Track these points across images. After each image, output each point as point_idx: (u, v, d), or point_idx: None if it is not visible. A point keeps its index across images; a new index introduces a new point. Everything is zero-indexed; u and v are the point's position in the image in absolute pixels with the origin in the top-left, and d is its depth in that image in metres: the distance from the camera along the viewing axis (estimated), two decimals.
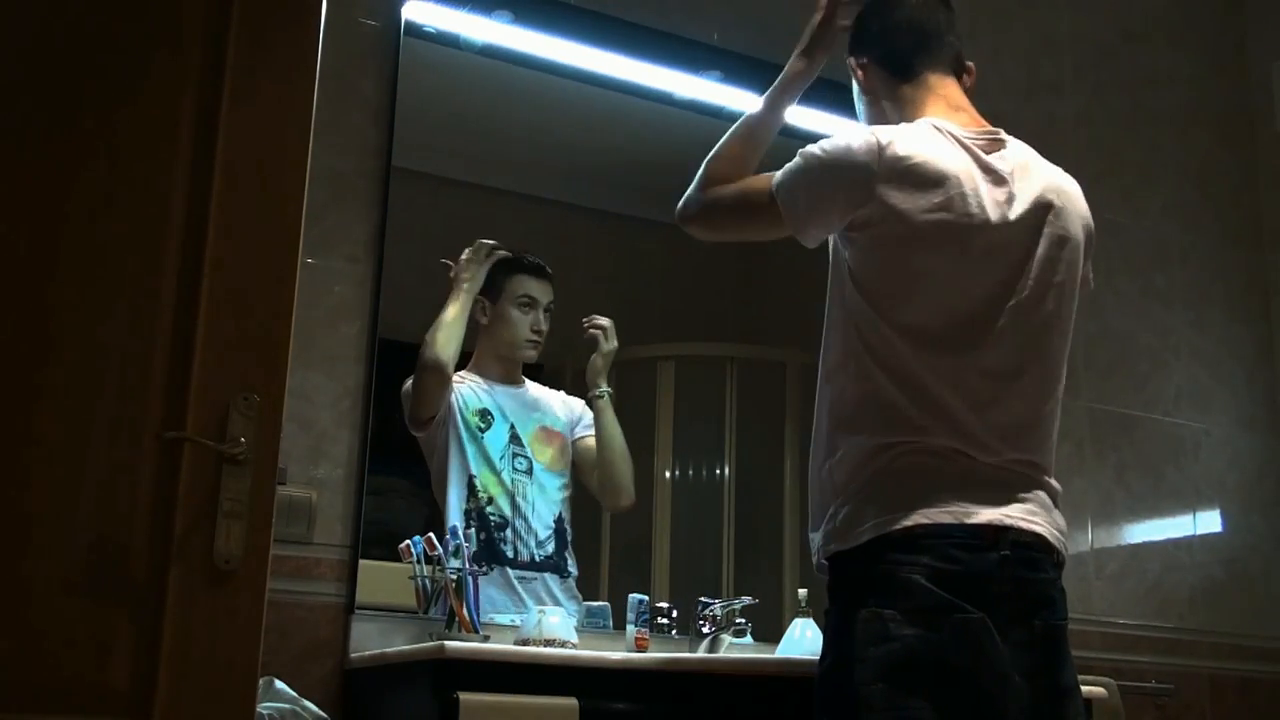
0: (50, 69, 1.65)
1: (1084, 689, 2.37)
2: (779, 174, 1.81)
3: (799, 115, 3.14)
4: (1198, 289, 3.77)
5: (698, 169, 1.98)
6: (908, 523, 1.61)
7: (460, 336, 2.69)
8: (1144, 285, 3.67)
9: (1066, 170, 1.89)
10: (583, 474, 2.88)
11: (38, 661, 1.51)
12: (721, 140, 1.99)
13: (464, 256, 2.74)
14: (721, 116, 3.14)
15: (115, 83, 1.67)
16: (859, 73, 1.94)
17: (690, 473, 3.19)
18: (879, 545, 1.62)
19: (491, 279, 2.77)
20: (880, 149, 1.70)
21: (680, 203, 1.97)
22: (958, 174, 1.71)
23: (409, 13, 2.79)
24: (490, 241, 2.76)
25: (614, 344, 2.86)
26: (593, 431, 2.87)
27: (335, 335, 2.58)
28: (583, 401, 2.90)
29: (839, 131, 1.80)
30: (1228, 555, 3.60)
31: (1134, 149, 3.76)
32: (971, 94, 1.92)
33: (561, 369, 2.98)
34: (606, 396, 2.85)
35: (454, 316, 2.69)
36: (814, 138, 1.80)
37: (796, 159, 1.79)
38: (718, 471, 3.20)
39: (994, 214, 1.71)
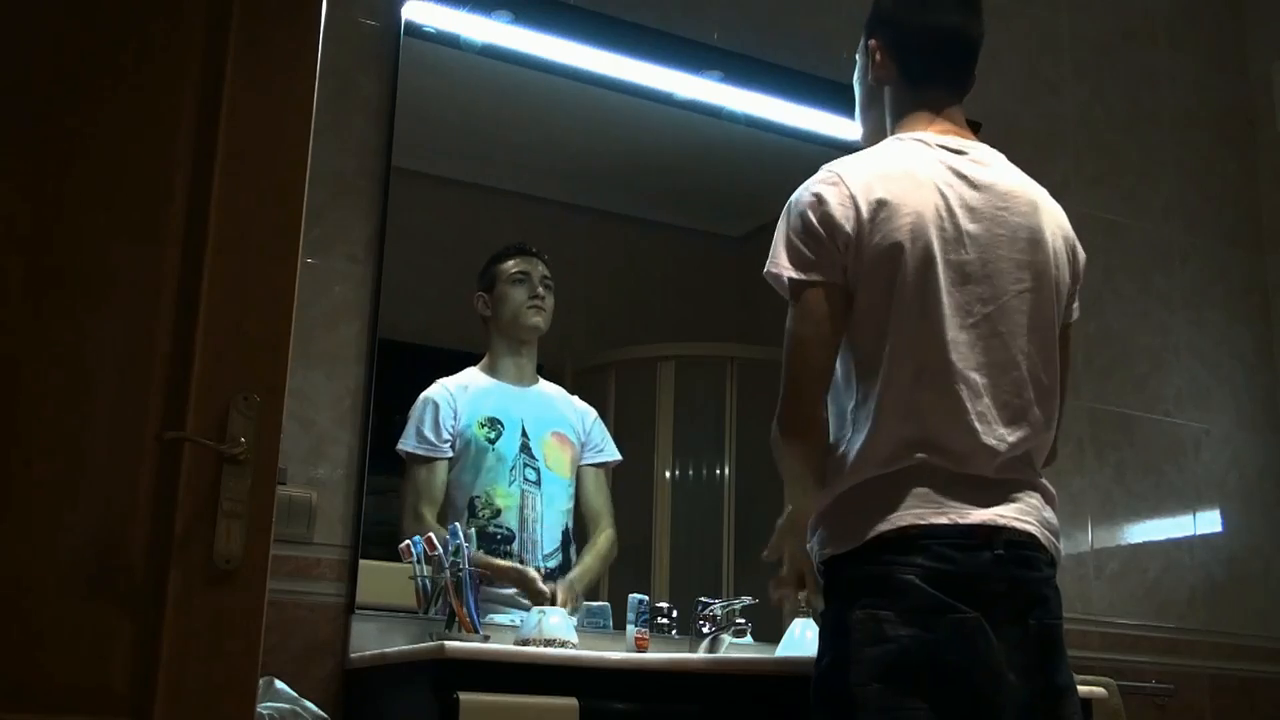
0: (49, 69, 1.65)
1: (1084, 689, 2.38)
2: (777, 270, 1.75)
3: (807, 117, 3.16)
4: (1198, 289, 3.77)
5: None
6: (902, 524, 1.62)
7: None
8: (1144, 285, 3.67)
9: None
10: (579, 494, 2.87)
11: (38, 661, 1.51)
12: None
13: None
14: (721, 116, 3.15)
15: (116, 84, 1.67)
16: (875, 56, 1.89)
17: (690, 473, 3.19)
18: (874, 547, 1.63)
19: (485, 274, 2.84)
20: (838, 182, 1.71)
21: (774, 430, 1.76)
22: (928, 184, 1.72)
23: (409, 13, 2.79)
24: None
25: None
26: (599, 460, 2.88)
27: (335, 335, 2.58)
28: (594, 413, 2.91)
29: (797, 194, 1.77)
30: (1228, 555, 3.60)
31: (1134, 149, 3.75)
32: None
33: (561, 369, 2.98)
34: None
35: None
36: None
37: (774, 245, 1.76)
38: (718, 471, 3.20)
39: (966, 223, 1.72)
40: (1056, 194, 1.88)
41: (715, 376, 3.22)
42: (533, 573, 2.64)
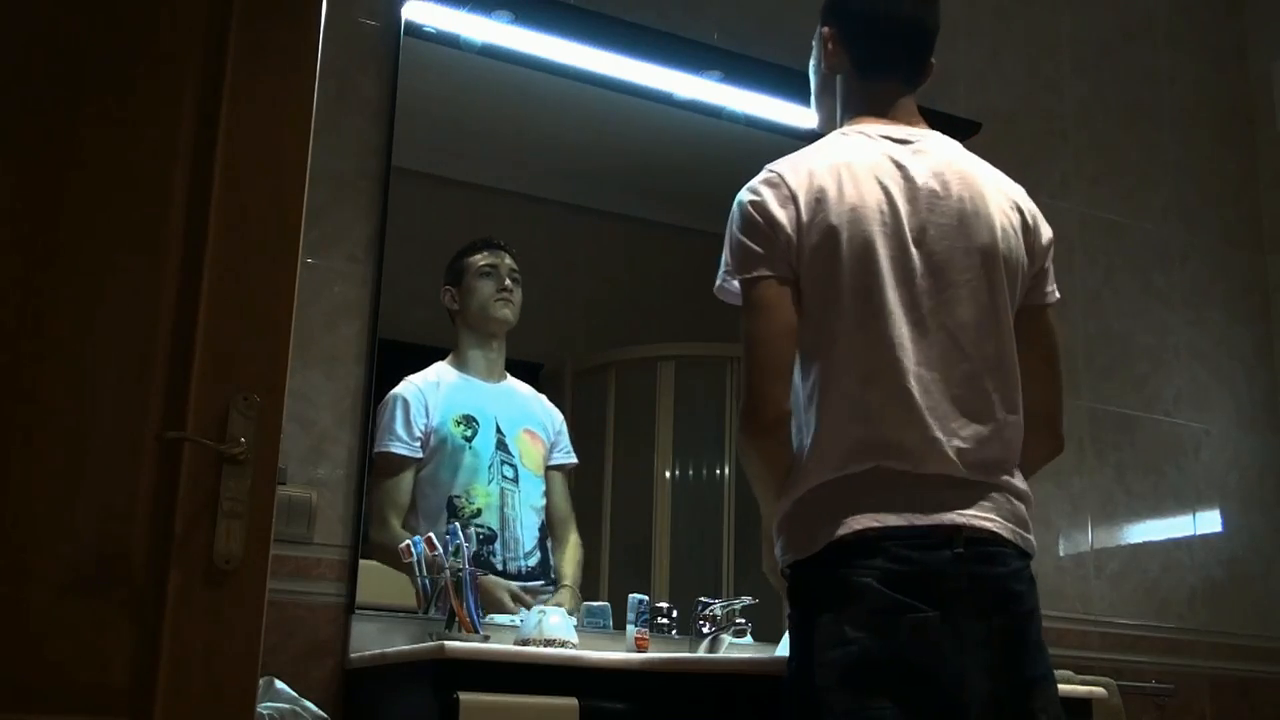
0: (49, 69, 1.65)
1: (1084, 689, 2.38)
2: (725, 280, 1.75)
3: (807, 117, 3.15)
4: (1198, 289, 3.77)
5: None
6: (859, 527, 1.62)
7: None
8: (1144, 285, 3.67)
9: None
10: (546, 497, 2.86)
11: (38, 661, 1.52)
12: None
13: None
14: (721, 116, 3.14)
15: (116, 84, 1.67)
16: (828, 45, 1.87)
17: (690, 473, 3.19)
18: (833, 551, 1.63)
19: (452, 268, 2.83)
20: (778, 182, 1.71)
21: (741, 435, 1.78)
22: (869, 178, 1.71)
23: (409, 13, 2.79)
24: None
25: None
26: (564, 461, 2.87)
27: (335, 335, 2.58)
28: (561, 415, 2.90)
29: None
30: (1228, 555, 3.60)
31: (1134, 149, 3.75)
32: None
33: (561, 369, 2.98)
34: None
35: None
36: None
37: (724, 253, 1.76)
38: (718, 471, 3.20)
39: (908, 216, 1.70)
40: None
41: (715, 376, 3.22)
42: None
